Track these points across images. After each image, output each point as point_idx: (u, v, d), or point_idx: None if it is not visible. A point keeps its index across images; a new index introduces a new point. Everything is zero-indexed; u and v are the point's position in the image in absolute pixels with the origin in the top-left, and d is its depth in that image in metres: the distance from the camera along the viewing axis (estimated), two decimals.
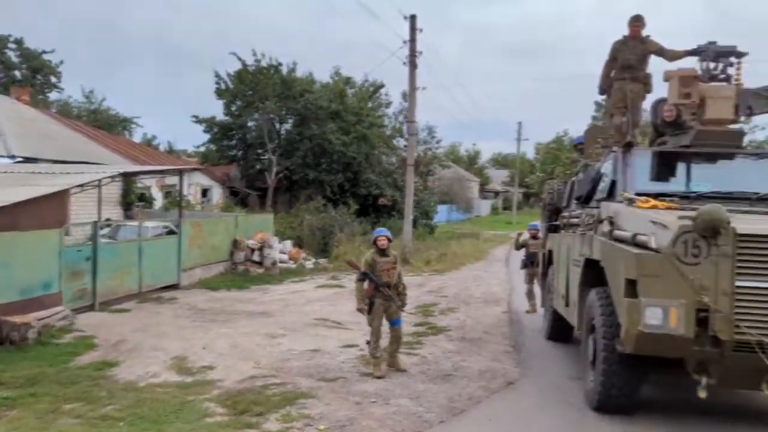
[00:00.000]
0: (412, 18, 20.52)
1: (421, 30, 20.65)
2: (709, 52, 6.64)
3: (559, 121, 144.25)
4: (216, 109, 37.72)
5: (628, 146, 6.63)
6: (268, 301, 12.81)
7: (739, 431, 5.51)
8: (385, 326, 7.42)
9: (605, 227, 5.79)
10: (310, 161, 26.52)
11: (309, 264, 18.29)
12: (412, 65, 20.28)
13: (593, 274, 6.19)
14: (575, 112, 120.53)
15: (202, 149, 30.14)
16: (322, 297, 13.44)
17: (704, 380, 5.08)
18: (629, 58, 7.76)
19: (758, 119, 20.05)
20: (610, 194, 6.42)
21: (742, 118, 6.82)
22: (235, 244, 16.81)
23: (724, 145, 6.46)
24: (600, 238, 5.86)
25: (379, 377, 7.05)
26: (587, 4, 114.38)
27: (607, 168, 6.80)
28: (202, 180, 25.85)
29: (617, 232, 5.54)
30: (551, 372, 7.54)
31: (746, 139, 7.20)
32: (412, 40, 20.38)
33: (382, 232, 7.54)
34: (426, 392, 6.53)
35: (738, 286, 4.70)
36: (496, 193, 73.85)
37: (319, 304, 12.42)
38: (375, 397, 6.35)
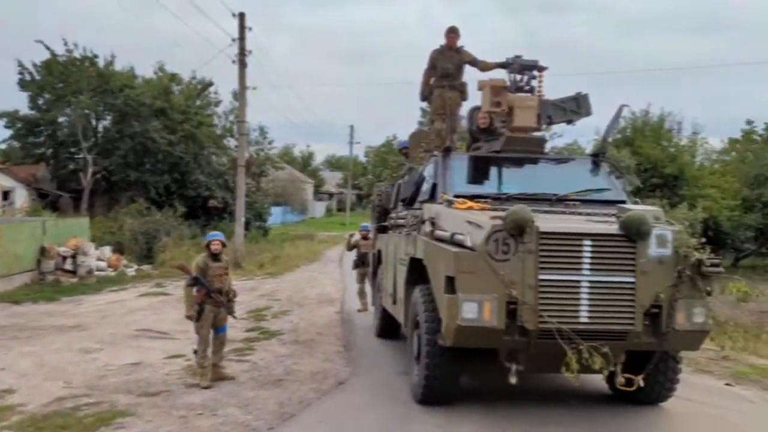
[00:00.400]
0: (241, 16, 20.03)
1: (250, 28, 20.28)
2: (516, 65, 7.25)
3: (389, 125, 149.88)
4: (19, 102, 34.02)
5: (447, 151, 7.02)
6: (83, 313, 11.75)
7: (544, 410, 6.05)
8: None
9: (427, 227, 6.06)
10: (131, 161, 24.81)
11: (131, 271, 17.10)
12: (242, 64, 19.81)
13: (417, 272, 6.46)
14: (403, 117, 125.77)
15: (3, 146, 26.95)
16: (146, 306, 12.62)
17: (514, 367, 5.53)
18: (447, 66, 8.27)
19: (556, 128, 22.32)
20: (432, 196, 6.75)
21: (544, 127, 7.52)
22: (43, 252, 15.20)
23: (530, 151, 7.08)
24: (422, 238, 6.12)
25: (206, 387, 6.75)
26: (412, 16, 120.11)
27: (428, 171, 7.14)
28: (3, 181, 23.08)
29: (438, 232, 5.83)
30: (380, 369, 7.76)
31: (548, 146, 7.93)
32: (241, 38, 19.90)
33: (216, 236, 7.24)
34: (256, 399, 6.38)
35: (541, 280, 5.16)
36: (331, 195, 74.70)
37: (141, 314, 11.64)
38: (201, 408, 6.07)
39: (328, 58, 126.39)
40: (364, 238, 12.76)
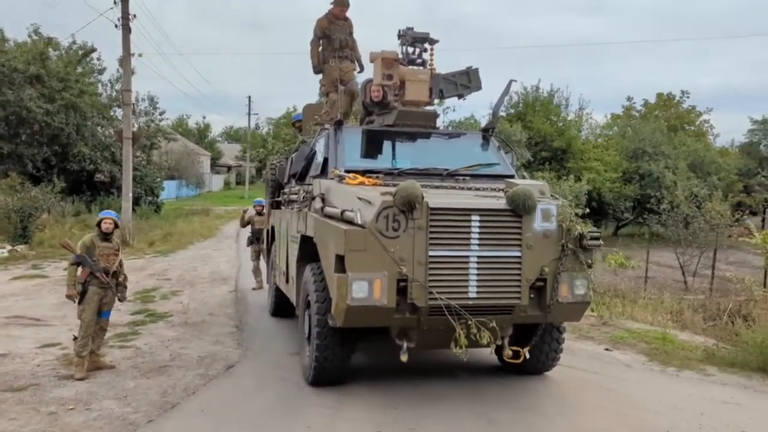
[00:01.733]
0: None
1: None
2: (407, 36, 7.08)
3: (289, 96, 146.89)
4: None
5: (339, 124, 6.78)
6: None
7: (435, 385, 6.07)
8: None
9: (318, 204, 5.83)
10: (4, 132, 22.68)
11: (3, 252, 15.69)
12: (125, 29, 18.45)
13: (309, 250, 6.23)
14: (303, 89, 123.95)
15: None
16: (19, 290, 11.58)
17: (405, 345, 5.47)
18: (344, 38, 8.00)
19: (449, 102, 22.66)
20: (323, 171, 6.51)
21: (436, 101, 7.44)
22: None
23: (422, 125, 6.98)
24: (313, 215, 5.89)
25: (80, 379, 6.24)
26: None
27: (320, 145, 6.88)
28: None
29: (328, 209, 5.62)
30: (272, 350, 7.51)
31: (441, 120, 7.88)
32: (124, 0, 18.48)
33: (108, 214, 6.81)
34: (136, 389, 5.96)
35: (431, 256, 5.09)
36: (229, 168, 72.49)
37: (13, 299, 10.66)
38: (74, 403, 5.58)
39: (223, 26, 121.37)
40: (259, 213, 12.35)
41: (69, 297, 6.52)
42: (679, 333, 9.37)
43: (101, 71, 27.41)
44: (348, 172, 6.12)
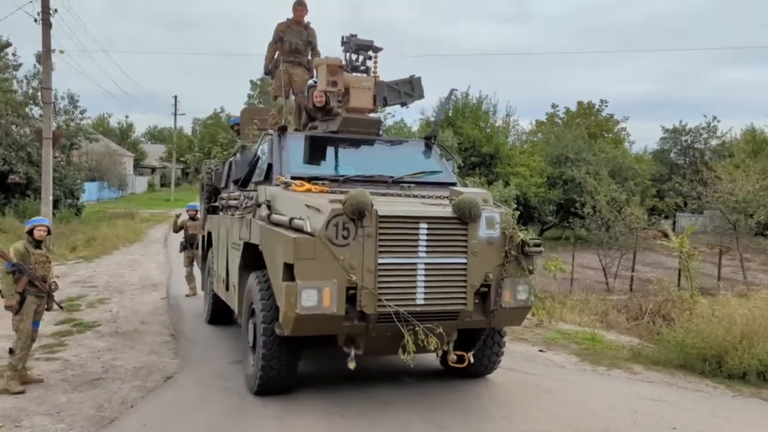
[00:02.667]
0: None
1: None
2: (351, 43, 7.09)
3: (217, 96, 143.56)
4: None
5: (283, 129, 6.70)
6: None
7: (381, 391, 6.09)
8: None
9: (263, 211, 5.74)
10: None
11: None
12: (46, 24, 17.46)
13: (252, 258, 6.13)
14: (232, 89, 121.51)
15: None
16: None
17: (353, 352, 5.47)
18: (296, 42, 7.94)
19: (390, 108, 22.89)
20: (267, 177, 6.41)
21: (379, 108, 7.48)
22: None
23: (366, 132, 7.00)
24: (258, 222, 5.79)
25: (19, 392, 5.92)
26: None
27: (263, 150, 6.77)
28: None
29: (275, 216, 5.54)
30: (212, 359, 7.32)
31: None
32: None
33: (40, 221, 6.61)
34: (69, 404, 5.67)
35: (380, 263, 5.11)
36: (153, 169, 70.04)
37: None
38: (2, 420, 5.26)
39: (146, 23, 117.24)
40: (192, 218, 12.03)
41: (8, 308, 6.22)
42: (606, 333, 9.80)
43: (16, 67, 25.88)
44: (293, 178, 6.06)
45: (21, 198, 24.77)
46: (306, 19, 8.17)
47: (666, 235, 18.75)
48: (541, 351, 8.36)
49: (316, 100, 7.27)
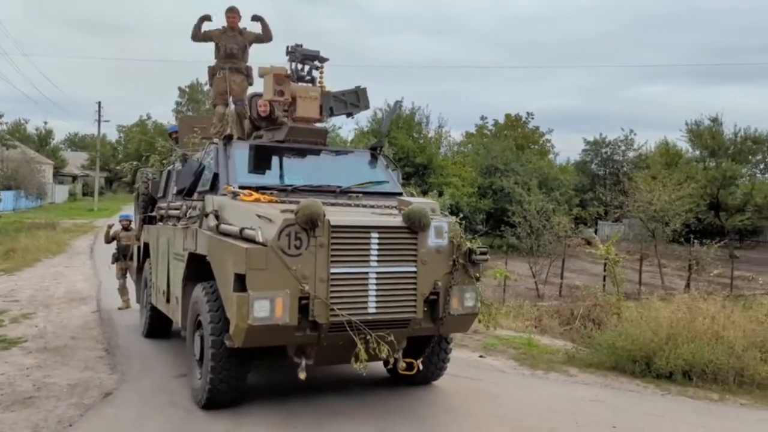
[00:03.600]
0: None
1: None
2: (297, 53, 7.08)
3: (143, 104, 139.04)
4: None
5: (229, 139, 6.61)
6: None
7: (331, 401, 6.08)
8: None
9: (211, 221, 5.64)
10: None
11: None
12: None
13: (198, 269, 5.99)
14: (159, 96, 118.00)
15: None
16: None
17: (303, 362, 5.44)
18: (231, 47, 7.83)
19: (336, 120, 22.94)
20: (213, 187, 6.30)
21: (326, 118, 7.50)
22: None
23: (313, 142, 7.00)
24: (206, 233, 5.68)
25: None
26: None
27: (208, 160, 6.65)
28: None
29: (224, 227, 5.45)
30: (153, 373, 7.08)
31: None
32: None
33: None
34: (1, 425, 5.35)
35: (332, 273, 5.13)
36: (74, 178, 67.04)
37: None
38: None
39: (68, 26, 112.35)
40: (125, 228, 11.61)
41: None
42: (540, 338, 10.14)
43: None
44: (241, 188, 5.99)
45: None
46: (240, 24, 8.10)
47: (589, 243, 19.63)
48: (481, 357, 8.56)
49: (261, 109, 7.21)
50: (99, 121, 53.01)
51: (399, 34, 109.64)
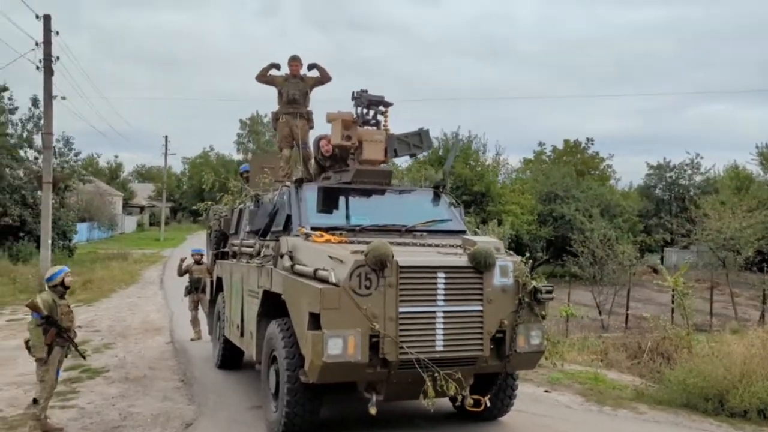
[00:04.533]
0: (47, 19, 18.05)
1: (57, 32, 18.35)
2: (363, 99, 7.45)
3: (206, 135, 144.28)
4: None
5: (300, 182, 7.00)
6: None
7: None
8: None
9: (286, 261, 5.98)
10: None
11: None
12: (48, 71, 17.87)
13: (272, 306, 6.35)
14: (221, 128, 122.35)
15: None
16: None
17: (374, 397, 5.67)
18: (294, 93, 8.31)
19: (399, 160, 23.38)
20: (286, 228, 6.68)
21: (390, 159, 7.82)
22: None
23: (378, 182, 7.31)
24: (281, 272, 6.03)
25: None
26: (223, 26, 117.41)
27: (281, 202, 7.05)
28: None
29: (299, 267, 5.79)
30: (229, 404, 7.45)
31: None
32: (47, 42, 17.95)
33: (66, 270, 6.71)
34: None
35: (401, 312, 5.38)
36: (142, 208, 70.03)
37: None
38: None
39: (135, 61, 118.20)
40: (197, 262, 12.21)
41: (39, 360, 6.34)
42: (607, 372, 10.03)
43: (13, 111, 26.09)
44: (312, 229, 6.33)
45: (14, 241, 24.74)
46: (302, 71, 8.56)
47: (655, 271, 19.15)
48: (546, 391, 8.57)
49: (324, 149, 7.61)
50: (166, 155, 55.55)
51: (448, 58, 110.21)
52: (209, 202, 10.18)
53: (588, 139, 44.83)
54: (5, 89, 25.05)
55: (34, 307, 6.32)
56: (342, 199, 7.10)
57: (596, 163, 44.84)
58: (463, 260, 5.70)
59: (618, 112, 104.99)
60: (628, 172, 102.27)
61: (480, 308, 5.64)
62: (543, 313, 5.91)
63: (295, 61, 8.49)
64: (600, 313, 19.34)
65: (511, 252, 6.33)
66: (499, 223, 25.00)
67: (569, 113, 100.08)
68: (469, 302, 5.63)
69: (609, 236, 20.87)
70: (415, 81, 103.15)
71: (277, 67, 8.51)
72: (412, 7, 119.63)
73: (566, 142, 44.99)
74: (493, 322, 5.66)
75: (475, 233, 7.43)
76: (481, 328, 5.62)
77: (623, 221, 32.62)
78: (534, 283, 5.83)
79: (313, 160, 8.32)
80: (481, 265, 5.64)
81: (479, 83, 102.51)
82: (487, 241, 6.20)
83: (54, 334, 6.35)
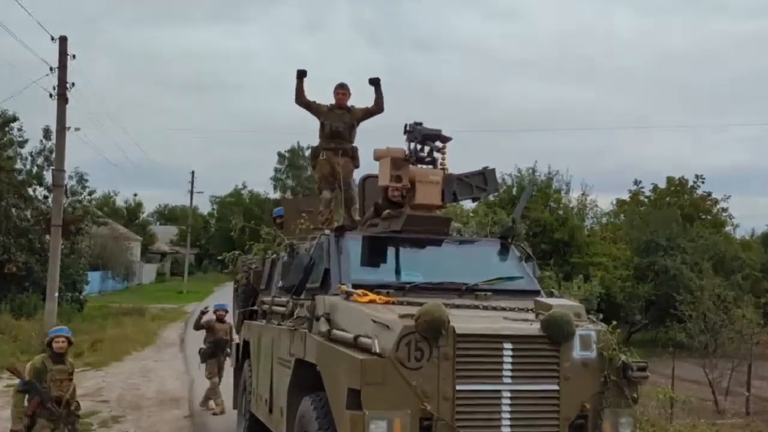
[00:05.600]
0: (62, 40, 19.15)
1: (73, 56, 19.44)
2: (417, 133, 7.52)
3: (238, 169, 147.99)
4: None
5: (341, 230, 7.09)
6: None
7: None
8: None
9: (322, 325, 6.04)
10: None
11: None
12: (62, 98, 18.87)
13: (306, 377, 6.38)
14: (255, 162, 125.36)
15: None
16: None
17: None
18: (338, 126, 8.47)
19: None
20: (324, 284, 6.75)
21: (449, 204, 7.86)
22: None
23: (433, 231, 7.34)
24: (316, 338, 6.08)
25: None
26: (263, 43, 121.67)
27: (318, 253, 7.13)
28: None
29: (336, 332, 5.83)
30: None
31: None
32: (62, 67, 19.00)
33: (60, 332, 7.12)
34: None
35: (458, 391, 5.31)
36: (163, 255, 71.94)
37: None
38: None
39: (157, 87, 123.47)
40: (220, 320, 12.41)
41: None
42: None
43: (22, 144, 27.52)
44: (354, 286, 6.37)
45: (19, 291, 25.71)
46: (349, 102, 8.74)
47: None
48: None
49: (392, 194, 7.48)
50: (192, 193, 57.23)
51: (525, 80, 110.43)
52: (237, 252, 10.42)
53: (697, 177, 43.66)
54: (15, 119, 26.46)
55: (12, 371, 6.57)
56: (390, 251, 7.16)
57: (708, 206, 43.58)
58: (535, 328, 5.62)
59: (735, 141, 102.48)
60: (749, 215, 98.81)
61: (556, 388, 5.52)
62: (634, 395, 5.74)
63: (342, 89, 8.69)
64: (714, 393, 18.53)
65: (595, 317, 6.21)
66: (586, 278, 24.55)
67: (672, 144, 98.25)
68: (543, 380, 5.51)
69: (725, 297, 20.13)
70: (484, 107, 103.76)
71: (304, 74, 8.65)
72: (485, 23, 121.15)
73: (670, 179, 43.99)
74: (571, 406, 5.52)
75: (551, 294, 7.31)
76: (557, 412, 5.49)
77: (743, 278, 31.44)
78: (623, 357, 5.68)
79: (357, 204, 8.46)
80: (557, 334, 5.54)
81: (561, 109, 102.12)
82: (565, 304, 6.10)
83: (36, 403, 6.53)
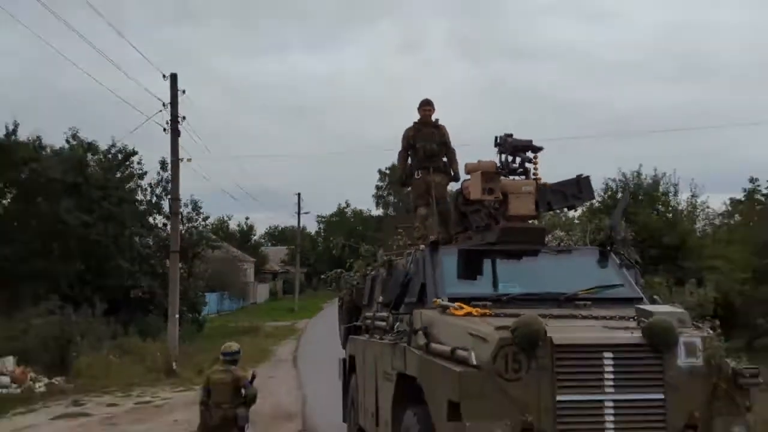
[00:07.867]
0: (173, 78, 20.31)
1: (183, 91, 20.54)
2: (507, 145, 7.51)
3: (342, 190, 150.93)
4: None
5: (435, 245, 7.16)
6: None
7: None
8: None
9: (420, 340, 6.10)
10: (37, 248, 24.23)
11: (40, 386, 16.46)
12: (174, 132, 19.96)
13: (408, 390, 6.45)
14: (358, 181, 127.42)
15: None
16: None
17: None
18: (430, 146, 8.57)
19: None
20: (421, 298, 6.83)
21: (543, 214, 7.78)
22: None
23: (529, 242, 7.28)
24: (416, 352, 6.15)
25: None
26: (359, 65, 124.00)
27: (414, 268, 7.23)
28: None
29: (434, 346, 5.87)
30: None
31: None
32: (174, 102, 20.12)
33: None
34: None
35: (559, 401, 5.23)
36: (275, 275, 74.13)
37: None
38: None
39: (264, 114, 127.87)
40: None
41: None
42: None
43: (141, 176, 29.15)
44: (450, 300, 6.41)
45: (144, 314, 27.14)
46: (434, 117, 8.82)
47: None
48: None
49: (465, 192, 7.53)
50: (299, 214, 58.82)
51: (627, 83, 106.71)
52: (338, 270, 10.67)
53: None
54: (134, 153, 28.09)
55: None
56: (486, 264, 7.14)
57: None
58: (636, 336, 5.47)
59: None
60: None
61: (661, 396, 5.34)
62: (748, 402, 5.47)
63: (428, 105, 8.82)
64: None
65: (709, 323, 5.96)
66: (699, 283, 23.40)
67: None
68: (647, 389, 5.35)
69: None
70: (584, 112, 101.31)
71: (406, 149, 8.85)
72: (580, 26, 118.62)
73: None
74: (679, 415, 5.33)
75: (653, 300, 7.08)
76: (664, 422, 5.31)
77: None
78: (732, 364, 5.43)
79: (454, 217, 8.47)
80: (659, 342, 5.37)
81: (666, 109, 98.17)
82: (668, 311, 5.90)
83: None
